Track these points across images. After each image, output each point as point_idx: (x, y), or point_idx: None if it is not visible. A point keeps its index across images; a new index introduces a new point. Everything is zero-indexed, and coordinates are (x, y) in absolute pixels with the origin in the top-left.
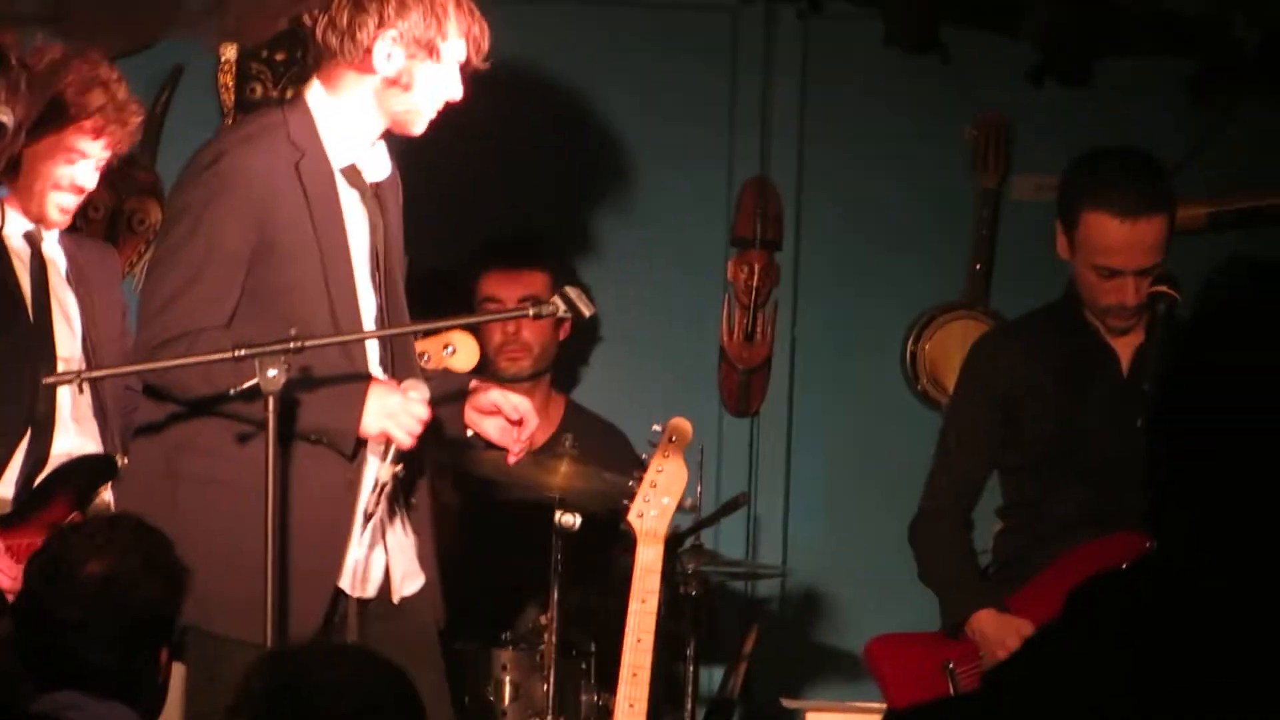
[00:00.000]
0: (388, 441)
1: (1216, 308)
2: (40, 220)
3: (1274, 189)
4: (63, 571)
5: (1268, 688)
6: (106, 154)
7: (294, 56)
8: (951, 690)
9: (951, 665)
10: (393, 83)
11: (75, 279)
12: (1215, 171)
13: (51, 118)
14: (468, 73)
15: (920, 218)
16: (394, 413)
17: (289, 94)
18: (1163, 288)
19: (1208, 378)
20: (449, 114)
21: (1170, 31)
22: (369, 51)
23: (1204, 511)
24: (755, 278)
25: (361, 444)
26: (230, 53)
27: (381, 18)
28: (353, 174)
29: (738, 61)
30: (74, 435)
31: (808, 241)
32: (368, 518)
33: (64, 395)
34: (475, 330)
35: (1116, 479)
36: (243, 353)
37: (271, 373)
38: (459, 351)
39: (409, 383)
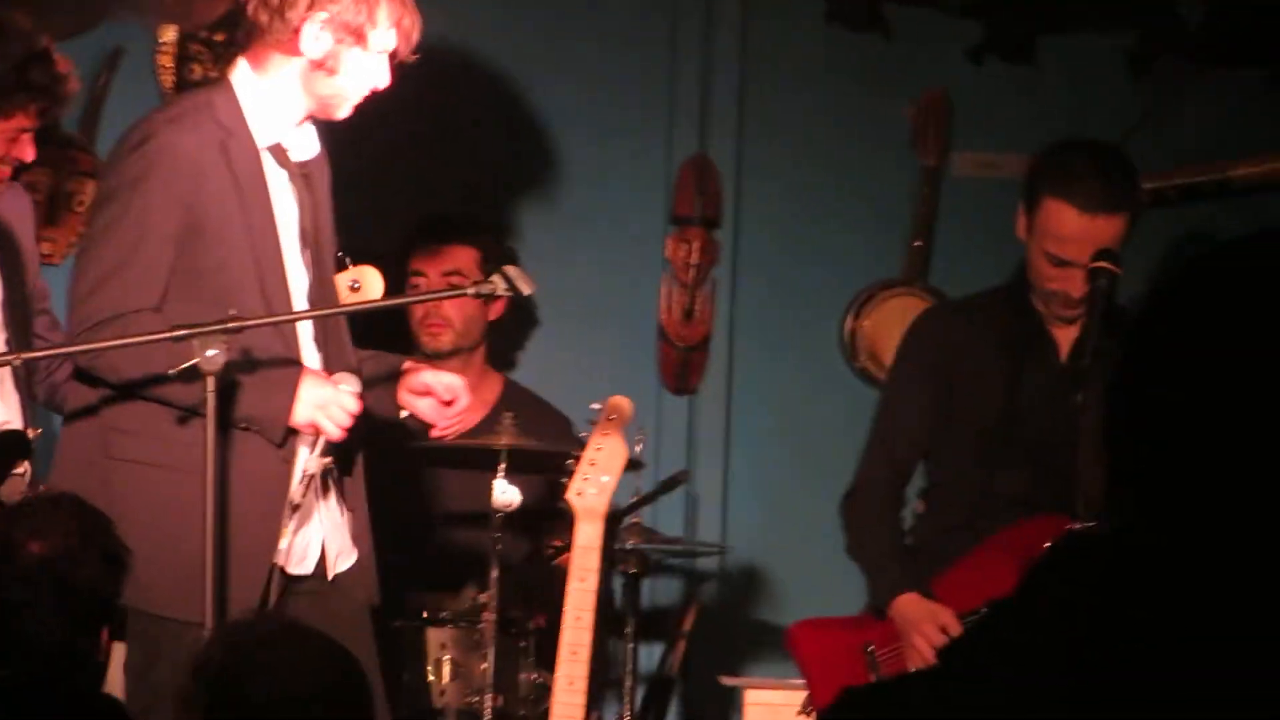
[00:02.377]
0: (317, 433)
1: (1176, 284)
2: None
3: (1214, 163)
4: (3, 553)
5: (1218, 661)
6: (41, 123)
7: (233, 38)
8: (871, 673)
9: (871, 648)
10: (318, 65)
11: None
12: (1158, 147)
13: None
14: (395, 63)
15: (860, 195)
16: (324, 404)
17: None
18: (1104, 263)
19: (1164, 353)
20: (390, 94)
21: (1112, 7)
22: (297, 32)
23: (1160, 486)
24: (694, 255)
25: (291, 433)
26: (170, 34)
27: (313, 0)
28: (279, 153)
29: (677, 38)
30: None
31: (747, 219)
32: (294, 508)
33: None
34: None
35: (1046, 464)
36: (182, 333)
37: (211, 353)
38: (364, 286)
39: (340, 375)
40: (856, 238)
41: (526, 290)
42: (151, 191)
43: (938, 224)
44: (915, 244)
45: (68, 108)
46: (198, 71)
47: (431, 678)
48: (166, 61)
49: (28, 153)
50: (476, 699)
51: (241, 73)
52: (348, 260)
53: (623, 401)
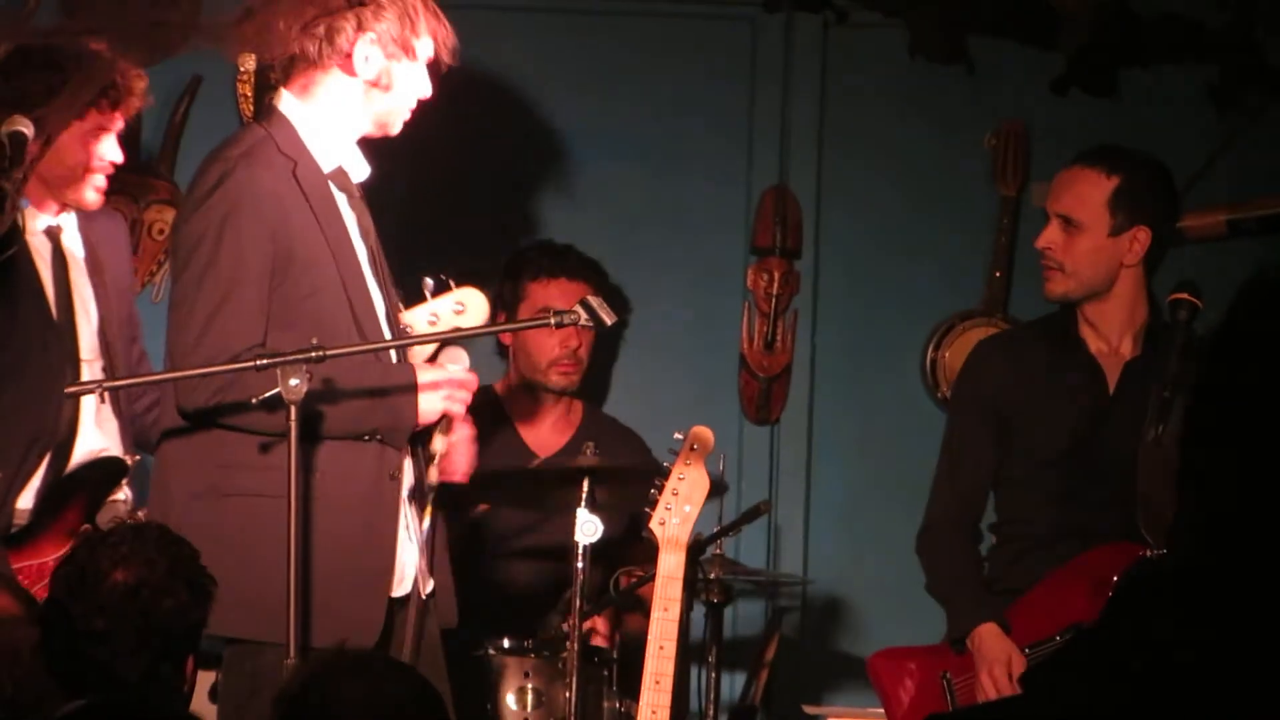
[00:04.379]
0: (444, 419)
1: (1248, 316)
2: (78, 205)
3: None
4: (88, 581)
5: None
6: (122, 123)
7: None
8: (948, 702)
9: (949, 676)
10: (373, 84)
11: (91, 265)
12: (1237, 178)
13: (79, 102)
14: (436, 72)
15: (939, 226)
16: (444, 389)
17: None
18: (1184, 295)
19: (1238, 386)
20: (474, 125)
21: (1193, 40)
22: (348, 56)
23: (1234, 518)
24: (775, 286)
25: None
26: (250, 63)
27: (359, 21)
28: (340, 177)
29: (757, 70)
30: (98, 438)
31: (827, 250)
32: (429, 490)
33: (87, 400)
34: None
35: (1111, 493)
36: (264, 362)
37: (293, 382)
38: (469, 309)
39: (447, 353)
40: (937, 268)
41: (608, 321)
42: (241, 228)
43: (1017, 254)
44: (995, 274)
45: (139, 104)
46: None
47: (515, 706)
48: (246, 90)
49: (110, 153)
50: None
51: (289, 102)
52: (451, 282)
53: (704, 431)
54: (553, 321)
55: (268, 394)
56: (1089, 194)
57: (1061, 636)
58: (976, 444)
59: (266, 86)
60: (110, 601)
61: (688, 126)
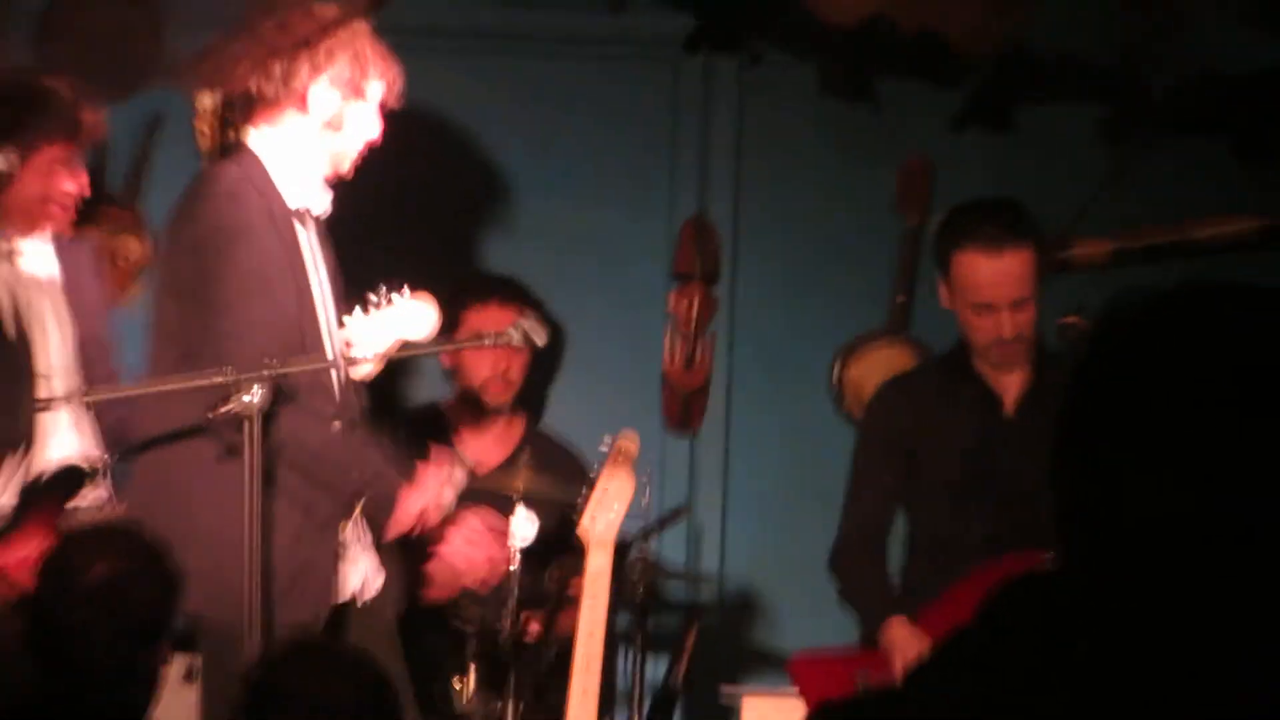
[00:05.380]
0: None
1: (1111, 332)
2: (45, 225)
3: (1174, 225)
4: (67, 576)
5: (1160, 682)
6: (78, 156)
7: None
8: None
9: (866, 673)
10: (328, 124)
11: (66, 287)
12: (1123, 209)
13: (38, 136)
14: (383, 113)
15: (847, 253)
16: (427, 504)
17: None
18: (1072, 318)
19: (1103, 397)
20: (407, 156)
21: (1086, 79)
22: (303, 98)
23: (1103, 522)
24: (695, 309)
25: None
26: (207, 101)
27: (313, 64)
28: (303, 214)
29: (678, 108)
30: (76, 442)
31: (744, 275)
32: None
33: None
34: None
35: (1008, 509)
36: (220, 380)
37: (246, 399)
38: (416, 318)
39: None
40: (845, 292)
41: (539, 341)
42: (247, 249)
43: (918, 279)
44: (898, 298)
45: (92, 135)
46: (234, 137)
47: (458, 687)
48: (204, 127)
49: (66, 184)
50: (499, 705)
51: (256, 140)
52: (404, 290)
53: (631, 439)
54: (487, 341)
55: (223, 410)
56: (1024, 271)
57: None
58: (878, 477)
59: (227, 123)
60: (88, 595)
61: (613, 162)
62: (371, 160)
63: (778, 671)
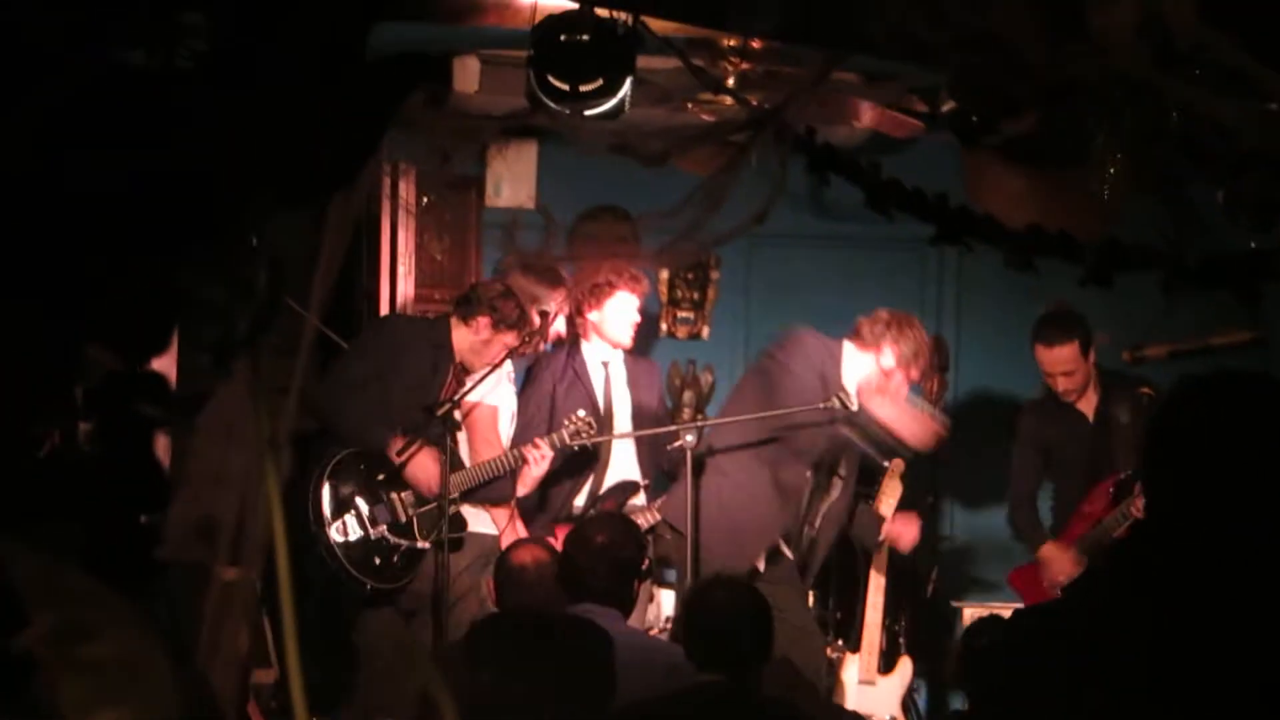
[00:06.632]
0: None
1: (1180, 399)
2: (616, 344)
3: (1212, 334)
4: (583, 540)
5: (1246, 626)
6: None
7: None
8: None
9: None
10: None
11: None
12: (1175, 322)
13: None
14: None
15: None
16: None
17: None
18: (1146, 389)
19: (1175, 433)
20: None
21: (1145, 260)
22: None
23: (1181, 498)
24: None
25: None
26: None
27: None
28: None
29: (924, 282)
30: (629, 468)
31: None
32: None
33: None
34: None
35: (1093, 479)
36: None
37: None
38: None
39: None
40: None
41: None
42: None
43: None
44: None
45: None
46: None
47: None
48: None
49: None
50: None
51: None
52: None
53: (898, 463)
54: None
55: None
56: (1071, 355)
57: (1095, 526)
58: (1028, 464)
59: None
60: (594, 549)
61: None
62: None
63: (987, 591)
